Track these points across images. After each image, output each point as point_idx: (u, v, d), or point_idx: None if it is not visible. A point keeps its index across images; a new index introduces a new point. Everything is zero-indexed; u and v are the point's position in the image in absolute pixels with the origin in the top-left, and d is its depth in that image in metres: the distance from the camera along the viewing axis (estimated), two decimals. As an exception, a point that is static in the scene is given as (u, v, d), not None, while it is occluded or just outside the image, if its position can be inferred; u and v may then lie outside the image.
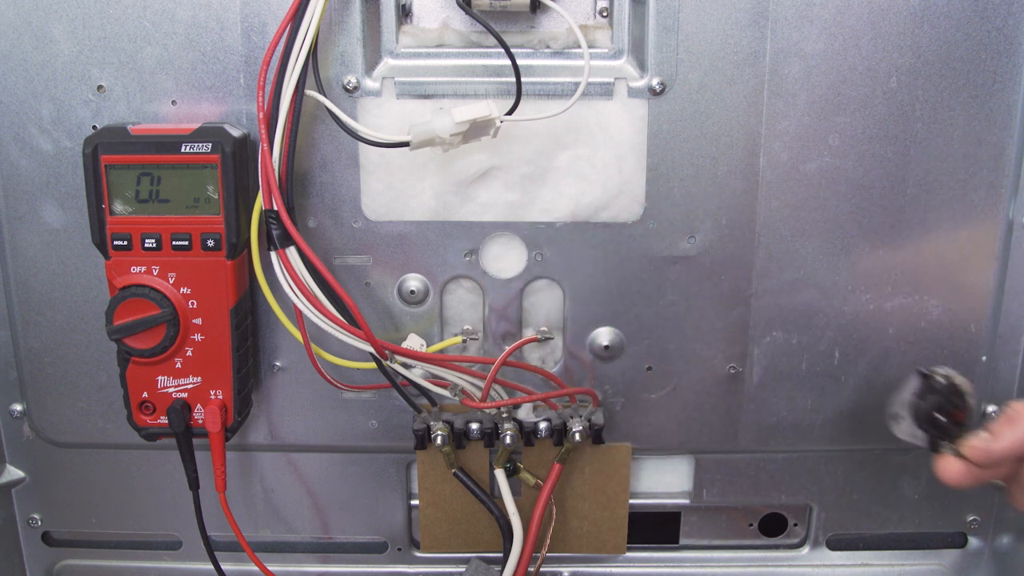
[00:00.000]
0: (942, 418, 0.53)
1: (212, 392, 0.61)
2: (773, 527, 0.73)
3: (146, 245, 0.58)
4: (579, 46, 0.58)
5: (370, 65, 0.59)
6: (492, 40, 0.56)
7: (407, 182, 0.61)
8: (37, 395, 0.67)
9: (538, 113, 0.57)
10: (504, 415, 0.64)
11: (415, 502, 0.71)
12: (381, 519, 0.72)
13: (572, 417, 0.64)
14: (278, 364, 0.66)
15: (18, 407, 0.68)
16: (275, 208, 0.56)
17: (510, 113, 0.57)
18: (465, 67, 0.59)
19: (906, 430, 0.56)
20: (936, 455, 0.53)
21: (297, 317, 0.59)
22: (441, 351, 0.64)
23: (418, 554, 0.73)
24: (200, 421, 0.61)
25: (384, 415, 0.67)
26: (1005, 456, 0.51)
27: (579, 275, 0.63)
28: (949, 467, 0.53)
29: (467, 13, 0.57)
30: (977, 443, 0.52)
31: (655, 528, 0.72)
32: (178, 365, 0.60)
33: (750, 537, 0.73)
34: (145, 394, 0.60)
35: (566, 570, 0.73)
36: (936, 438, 0.54)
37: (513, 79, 0.56)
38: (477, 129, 0.56)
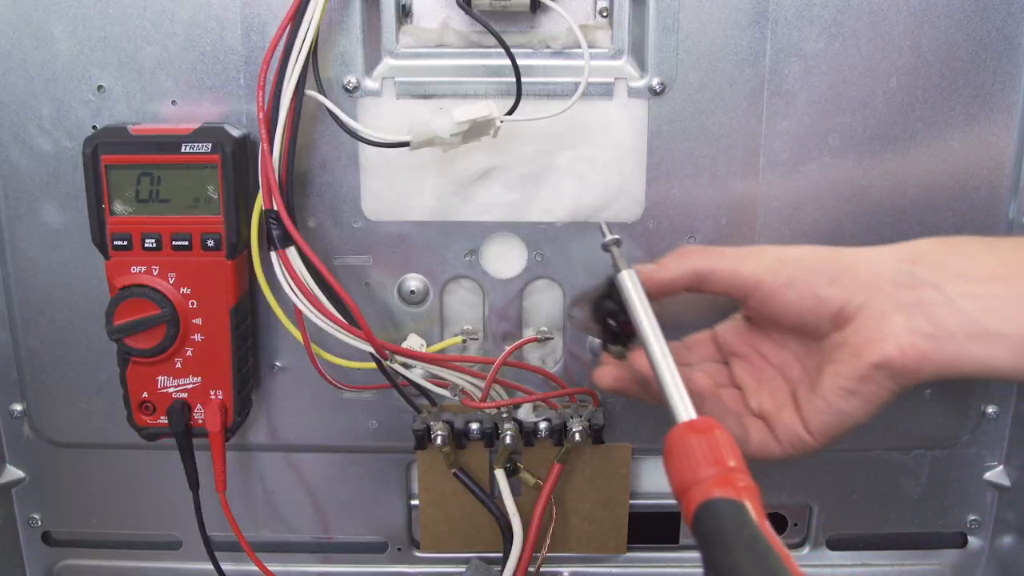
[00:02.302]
0: (613, 324, 0.54)
1: (212, 392, 0.61)
2: (773, 527, 0.73)
3: (146, 245, 0.58)
4: (579, 46, 0.58)
5: (370, 65, 0.59)
6: (492, 40, 0.56)
7: (407, 182, 0.61)
8: (37, 395, 0.67)
9: (538, 113, 0.57)
10: (504, 415, 0.64)
11: (415, 502, 0.71)
12: (381, 519, 0.72)
13: (572, 417, 0.64)
14: (278, 364, 0.66)
15: (18, 407, 0.68)
16: (275, 208, 0.56)
17: (510, 113, 0.57)
18: (465, 67, 0.59)
19: (581, 324, 0.57)
20: (604, 352, 0.56)
21: (297, 317, 0.59)
22: (441, 351, 0.64)
23: (418, 554, 0.73)
24: (200, 421, 0.61)
25: (384, 415, 0.67)
26: (667, 285, 0.53)
27: (579, 275, 0.63)
28: (605, 372, 0.56)
29: (467, 13, 0.57)
30: (644, 270, 0.53)
31: (655, 528, 0.72)
32: (178, 365, 0.60)
33: (750, 537, 0.73)
34: (145, 394, 0.60)
35: (566, 570, 0.73)
36: (605, 340, 0.55)
37: (513, 79, 0.56)
38: (477, 129, 0.56)
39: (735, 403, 0.56)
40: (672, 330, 0.51)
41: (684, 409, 0.43)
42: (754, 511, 0.37)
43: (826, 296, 0.51)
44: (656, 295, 0.53)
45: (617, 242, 0.53)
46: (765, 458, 0.54)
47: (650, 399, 0.55)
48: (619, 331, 0.54)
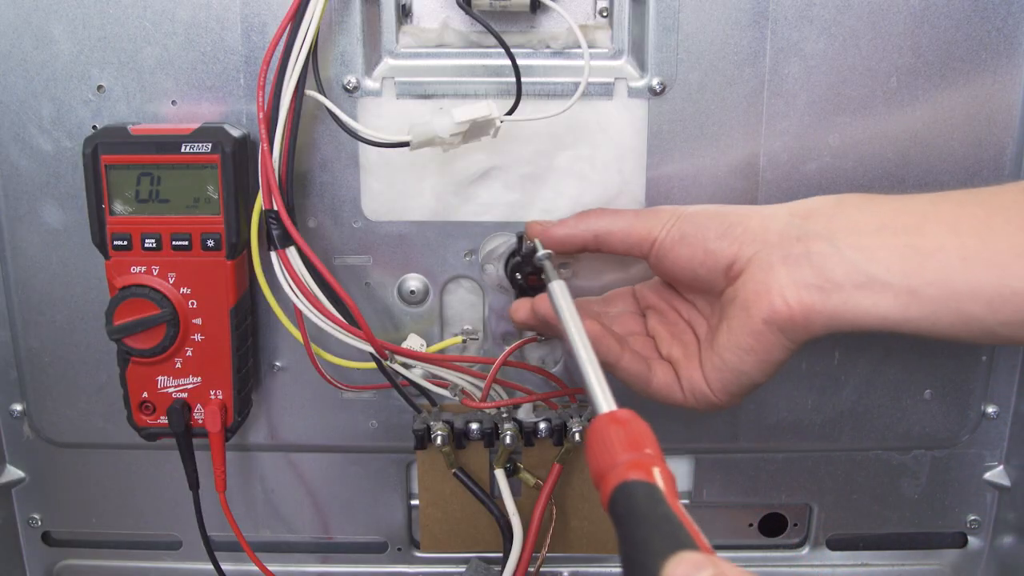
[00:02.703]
0: (520, 278, 0.60)
1: (212, 392, 0.61)
2: (773, 527, 0.73)
3: (146, 245, 0.58)
4: (579, 46, 0.58)
5: (370, 65, 0.59)
6: (492, 40, 0.56)
7: (407, 182, 0.61)
8: (37, 395, 0.67)
9: (538, 113, 0.57)
10: (504, 415, 0.64)
11: (415, 502, 0.71)
12: (381, 519, 0.72)
13: (572, 417, 0.64)
14: (278, 364, 0.66)
15: (18, 407, 0.68)
16: (275, 208, 0.56)
17: (510, 113, 0.57)
18: (465, 67, 0.59)
19: (493, 278, 0.62)
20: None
21: (297, 317, 0.59)
22: (441, 351, 0.64)
23: (418, 554, 0.73)
24: (200, 421, 0.61)
25: (384, 415, 0.67)
26: (563, 240, 0.57)
27: (579, 275, 0.63)
28: (518, 307, 0.58)
29: (467, 13, 0.57)
30: (543, 223, 0.58)
31: (655, 528, 0.72)
32: (178, 365, 0.60)
33: (750, 537, 0.73)
34: (145, 394, 0.60)
35: (566, 570, 0.73)
36: (516, 295, 0.62)
37: (513, 79, 0.56)
38: (477, 129, 0.56)
39: (645, 348, 0.57)
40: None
41: (605, 402, 0.44)
42: (667, 493, 0.38)
43: (716, 249, 0.51)
44: (555, 249, 0.57)
45: (549, 256, 0.57)
46: (667, 401, 0.55)
47: (552, 333, 0.59)
48: (524, 284, 0.60)
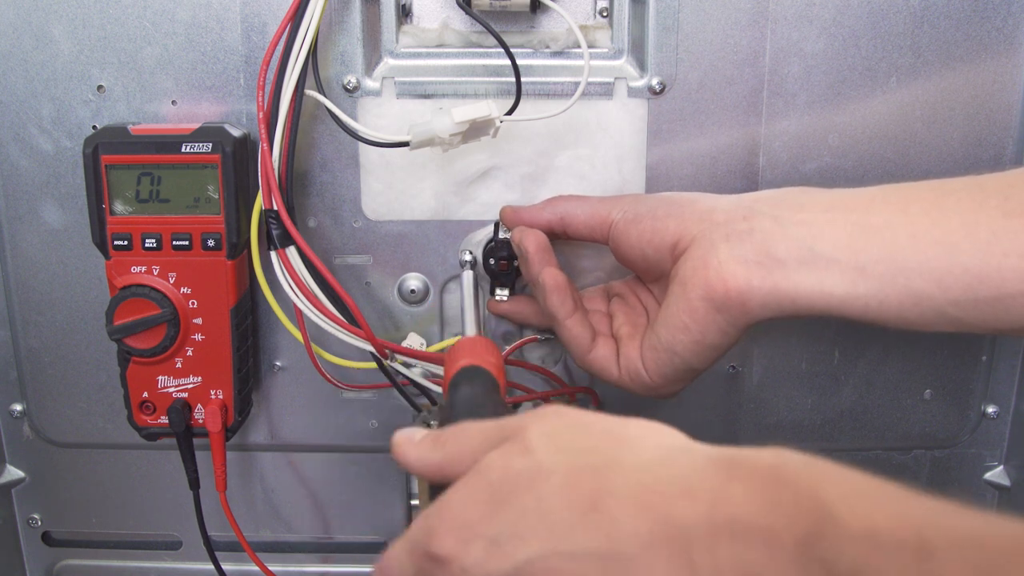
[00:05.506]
0: (493, 263, 0.62)
1: (212, 392, 0.61)
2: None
3: (146, 245, 0.58)
4: (579, 46, 0.58)
5: (370, 65, 0.59)
6: (492, 40, 0.56)
7: (407, 182, 0.61)
8: (37, 395, 0.67)
9: (538, 113, 0.57)
10: (504, 415, 0.63)
11: (415, 502, 0.71)
12: (381, 519, 0.72)
13: (572, 417, 0.64)
14: (278, 364, 0.66)
15: (18, 407, 0.68)
16: (275, 208, 0.56)
17: (510, 113, 0.57)
18: (465, 67, 0.59)
19: (468, 265, 0.63)
20: (490, 299, 0.64)
21: (297, 317, 0.59)
22: (441, 350, 0.64)
23: (418, 554, 0.73)
24: (200, 421, 0.61)
25: (384, 415, 0.67)
26: (531, 221, 0.58)
27: (580, 274, 0.63)
28: (494, 305, 0.63)
29: (467, 13, 0.57)
30: (514, 206, 0.60)
31: (655, 528, 0.72)
32: (178, 365, 0.60)
33: (750, 537, 0.73)
34: (145, 394, 0.60)
35: (566, 570, 0.73)
36: (492, 285, 0.63)
37: (513, 79, 0.56)
38: (477, 129, 0.56)
39: (600, 324, 0.58)
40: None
41: (472, 330, 0.57)
42: (496, 380, 0.48)
43: (662, 228, 0.52)
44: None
45: (473, 262, 0.62)
46: (603, 376, 0.55)
47: (535, 321, 0.62)
48: (497, 269, 0.61)
